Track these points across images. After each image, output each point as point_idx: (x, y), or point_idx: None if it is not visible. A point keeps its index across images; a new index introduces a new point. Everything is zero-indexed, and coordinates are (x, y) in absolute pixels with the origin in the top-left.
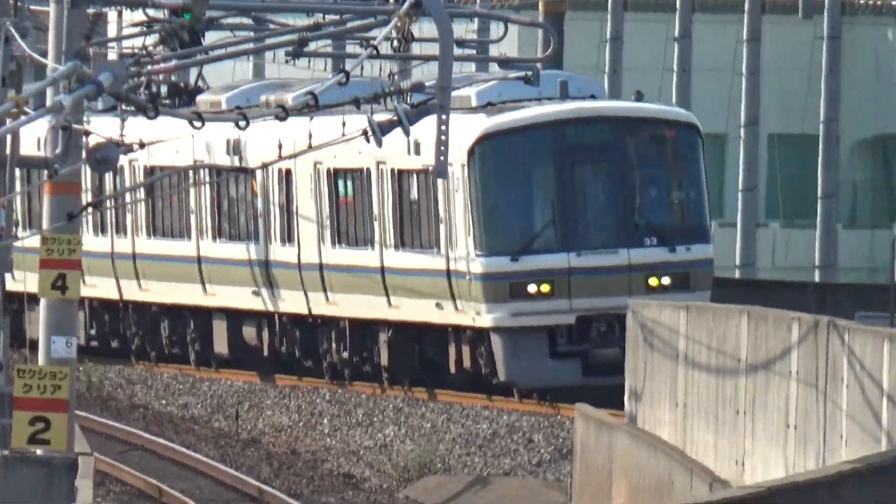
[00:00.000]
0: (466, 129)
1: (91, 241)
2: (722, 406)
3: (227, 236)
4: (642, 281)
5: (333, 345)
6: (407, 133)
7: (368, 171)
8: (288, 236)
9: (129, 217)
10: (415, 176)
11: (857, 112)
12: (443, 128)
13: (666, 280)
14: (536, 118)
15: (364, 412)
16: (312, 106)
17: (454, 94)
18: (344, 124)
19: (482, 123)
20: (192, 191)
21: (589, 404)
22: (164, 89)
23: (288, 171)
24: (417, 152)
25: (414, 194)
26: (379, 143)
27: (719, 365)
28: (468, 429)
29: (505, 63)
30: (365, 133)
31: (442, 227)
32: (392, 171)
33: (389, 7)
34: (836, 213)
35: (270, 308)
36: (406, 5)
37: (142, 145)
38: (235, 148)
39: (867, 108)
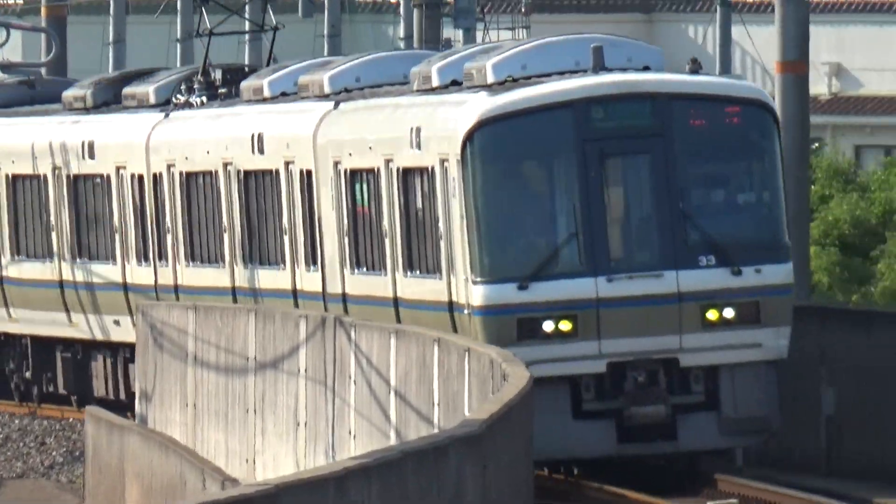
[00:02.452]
0: (462, 111)
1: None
2: (232, 405)
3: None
4: (697, 314)
5: None
6: None
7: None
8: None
9: None
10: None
11: None
12: None
13: (729, 312)
14: (554, 96)
15: None
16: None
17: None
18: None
19: (482, 104)
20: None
21: None
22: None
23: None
24: (418, 146)
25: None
26: None
27: (228, 364)
28: None
29: (7, 68)
30: None
31: (442, 245)
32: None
33: None
34: None
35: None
36: None
37: None
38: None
39: None
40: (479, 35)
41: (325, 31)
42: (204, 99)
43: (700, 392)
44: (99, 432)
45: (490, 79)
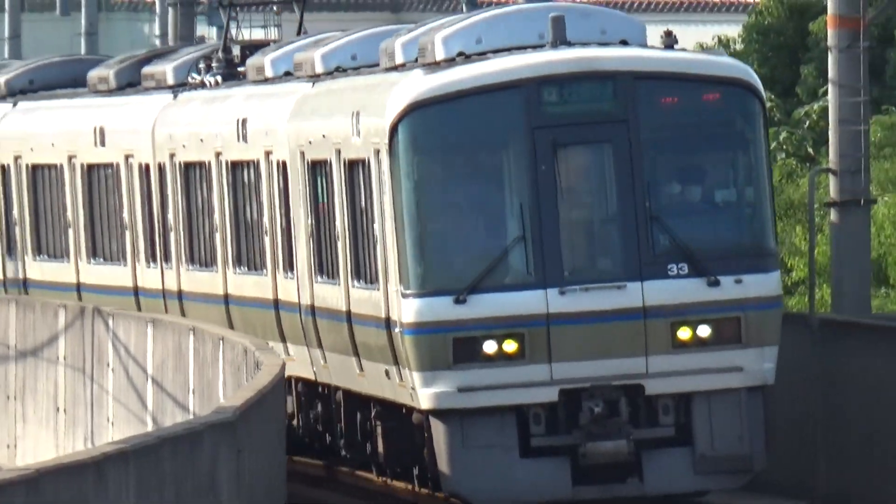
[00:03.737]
0: (391, 94)
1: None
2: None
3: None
4: (666, 332)
5: None
6: None
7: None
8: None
9: None
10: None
11: None
12: None
13: (704, 330)
14: (499, 75)
15: None
16: None
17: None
18: None
19: (415, 86)
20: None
21: None
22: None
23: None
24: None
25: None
26: None
27: None
28: None
29: None
30: None
31: (378, 251)
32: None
33: None
34: None
35: None
36: None
37: None
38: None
39: None
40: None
41: (83, 29)
42: (219, 79)
43: (670, 425)
44: None
45: (439, 54)
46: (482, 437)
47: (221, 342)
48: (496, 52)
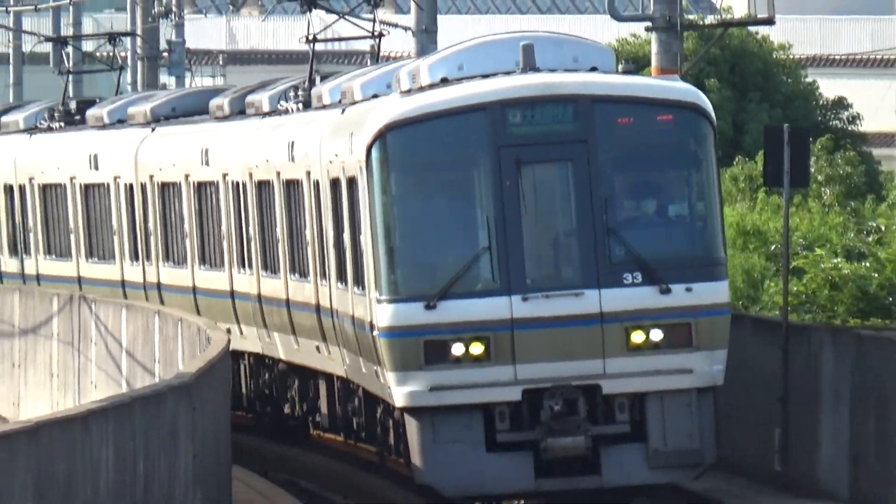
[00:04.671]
0: (371, 117)
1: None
2: (1, 361)
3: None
4: (621, 336)
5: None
6: None
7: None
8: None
9: None
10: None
11: None
12: None
13: (657, 335)
14: (462, 100)
15: None
16: None
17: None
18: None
19: (390, 109)
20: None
21: None
22: None
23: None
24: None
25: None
26: None
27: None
28: None
29: None
30: None
31: (365, 259)
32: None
33: None
34: None
35: None
36: None
37: None
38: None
39: None
40: (187, 81)
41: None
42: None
43: (625, 422)
44: None
45: (424, 80)
46: (451, 432)
47: (180, 322)
48: (473, 77)
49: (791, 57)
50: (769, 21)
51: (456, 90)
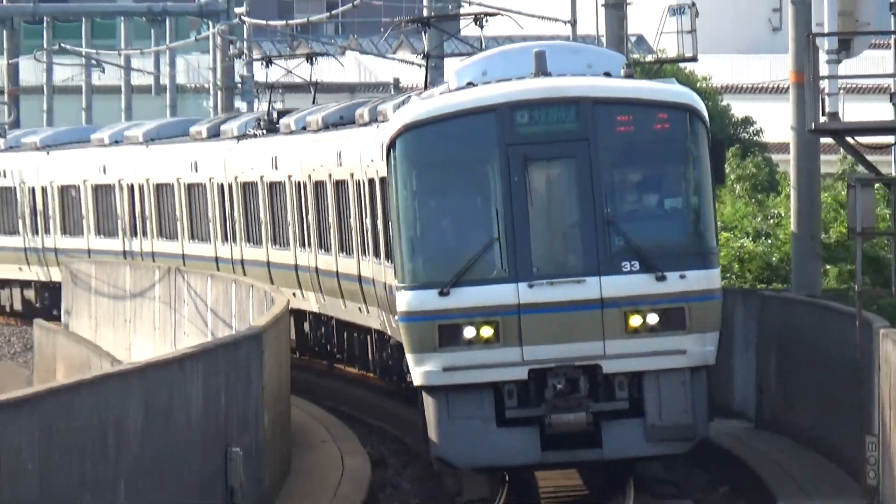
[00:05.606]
0: (392, 119)
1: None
2: (117, 317)
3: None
4: (620, 320)
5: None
6: None
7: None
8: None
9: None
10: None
11: None
12: None
13: (653, 318)
14: (475, 102)
15: None
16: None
17: None
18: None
19: (409, 111)
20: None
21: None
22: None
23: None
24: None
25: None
26: None
27: (114, 293)
28: None
29: None
30: None
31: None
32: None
33: None
34: None
35: None
36: None
37: None
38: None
39: None
40: (255, 105)
41: (168, 103)
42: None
43: (624, 399)
44: (41, 334)
45: (452, 84)
46: (464, 409)
47: (251, 288)
48: (497, 82)
49: (711, 86)
50: (693, 59)
51: (469, 93)
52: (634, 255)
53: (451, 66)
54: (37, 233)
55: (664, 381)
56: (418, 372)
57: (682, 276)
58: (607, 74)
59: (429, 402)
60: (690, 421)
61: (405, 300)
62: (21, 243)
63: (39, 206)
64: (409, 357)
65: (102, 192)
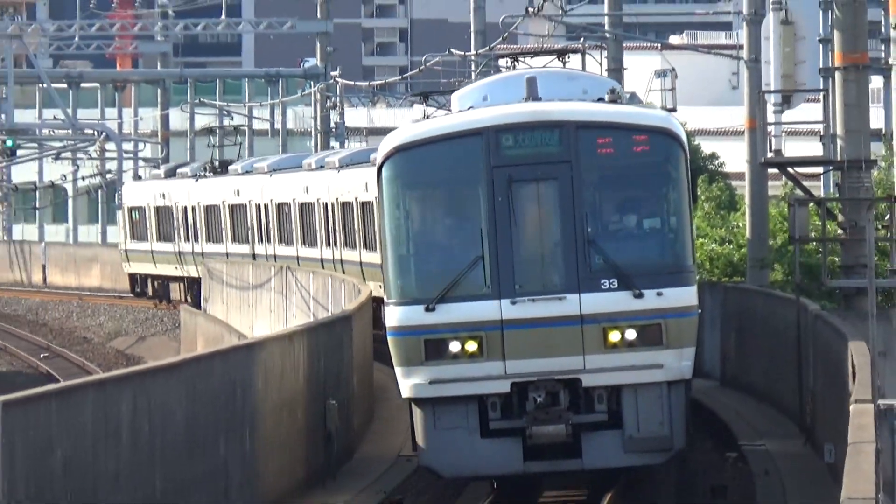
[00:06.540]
0: (383, 142)
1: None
2: (242, 303)
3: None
4: (599, 335)
5: None
6: None
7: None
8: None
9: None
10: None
11: None
12: None
13: (631, 334)
14: (462, 125)
15: None
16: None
17: None
18: None
19: (399, 134)
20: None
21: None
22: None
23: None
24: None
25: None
26: None
27: (240, 285)
28: None
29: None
30: None
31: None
32: None
33: None
34: None
35: None
36: None
37: None
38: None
39: None
40: (346, 143)
41: (280, 148)
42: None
43: (603, 412)
44: (186, 316)
45: (455, 108)
46: (450, 420)
47: (343, 282)
48: (494, 106)
49: (686, 129)
50: (674, 109)
51: (458, 117)
52: (613, 273)
53: (456, 92)
54: (187, 240)
55: (642, 394)
56: (406, 385)
57: (660, 294)
58: (600, 100)
59: (417, 414)
60: (667, 433)
61: (393, 315)
62: (175, 248)
63: (190, 221)
64: (398, 370)
65: (238, 210)
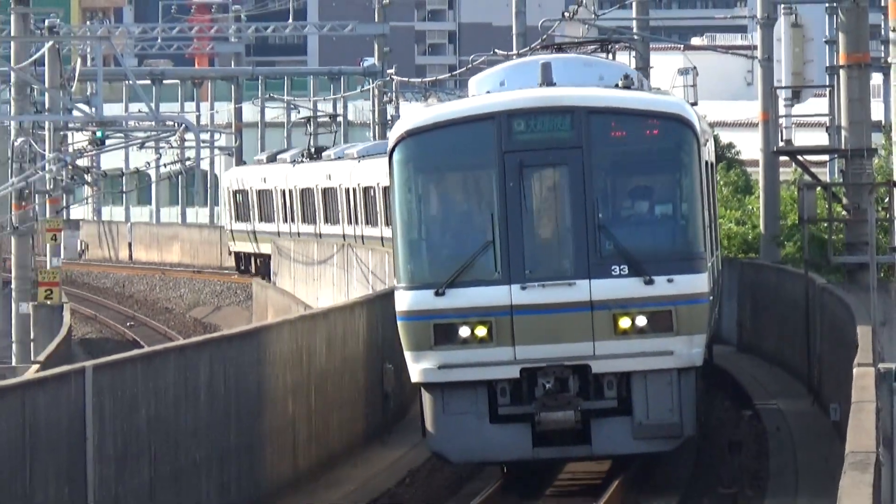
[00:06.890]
0: (395, 127)
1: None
2: (308, 277)
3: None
4: (608, 321)
5: None
6: None
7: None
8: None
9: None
10: None
11: None
12: None
13: (641, 320)
14: (474, 109)
15: None
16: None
17: None
18: None
19: (411, 118)
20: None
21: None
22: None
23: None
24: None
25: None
26: None
27: (306, 261)
28: None
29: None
30: None
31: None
32: None
33: None
34: None
35: None
36: None
37: None
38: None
39: None
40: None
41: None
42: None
43: (613, 398)
44: (257, 288)
45: (472, 93)
46: (459, 405)
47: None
48: (508, 91)
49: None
50: (695, 104)
51: (471, 102)
52: (624, 259)
53: (474, 77)
54: (285, 220)
55: (651, 381)
56: (416, 369)
57: (670, 280)
58: (616, 86)
59: (426, 399)
60: (677, 420)
61: (403, 300)
62: (275, 228)
63: (287, 203)
64: (407, 355)
65: (329, 193)
